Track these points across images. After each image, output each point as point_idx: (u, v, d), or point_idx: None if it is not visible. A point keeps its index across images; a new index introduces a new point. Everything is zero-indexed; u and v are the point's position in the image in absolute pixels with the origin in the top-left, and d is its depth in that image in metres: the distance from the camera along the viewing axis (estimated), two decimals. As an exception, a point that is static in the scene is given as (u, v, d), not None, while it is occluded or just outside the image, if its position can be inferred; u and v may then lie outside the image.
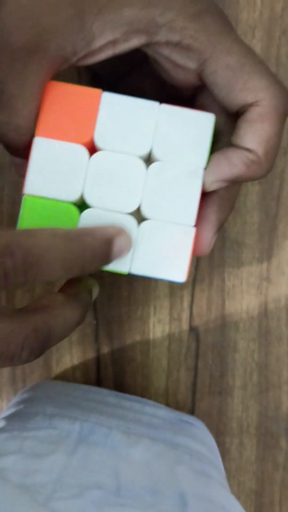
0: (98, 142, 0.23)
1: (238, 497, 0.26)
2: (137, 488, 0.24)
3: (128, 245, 0.22)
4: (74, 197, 0.23)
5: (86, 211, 0.23)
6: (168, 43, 0.22)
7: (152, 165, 0.23)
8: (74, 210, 0.23)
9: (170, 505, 0.23)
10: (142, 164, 0.23)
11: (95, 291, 0.26)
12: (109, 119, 0.23)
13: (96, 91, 0.23)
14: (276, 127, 0.23)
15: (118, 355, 0.35)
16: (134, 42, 0.22)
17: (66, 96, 0.23)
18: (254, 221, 0.33)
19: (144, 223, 0.23)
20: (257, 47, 0.32)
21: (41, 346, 0.21)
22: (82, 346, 0.35)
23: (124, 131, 0.23)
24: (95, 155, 0.23)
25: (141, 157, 0.23)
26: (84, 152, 0.23)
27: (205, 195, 0.24)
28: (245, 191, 0.33)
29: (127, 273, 0.23)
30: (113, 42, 0.22)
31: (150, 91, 0.27)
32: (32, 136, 0.23)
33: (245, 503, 0.36)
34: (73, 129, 0.23)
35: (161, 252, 0.23)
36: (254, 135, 0.22)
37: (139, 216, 0.24)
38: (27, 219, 0.22)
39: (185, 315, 0.34)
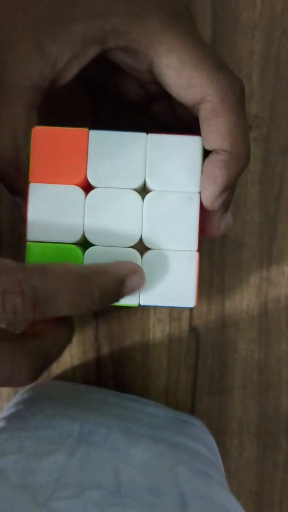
0: (92, 181, 0.23)
1: (238, 497, 0.26)
2: (137, 488, 0.24)
3: (141, 283, 0.22)
4: (76, 238, 0.23)
5: (89, 250, 0.23)
6: (117, 49, 0.23)
7: (148, 196, 0.23)
8: (78, 250, 0.23)
9: (170, 505, 0.23)
10: (137, 196, 0.23)
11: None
12: (99, 157, 0.23)
13: (83, 130, 0.23)
14: (233, 116, 0.22)
15: (118, 355, 0.35)
16: (91, 53, 0.23)
17: (54, 139, 0.23)
18: (254, 221, 0.33)
19: (147, 254, 0.23)
20: (257, 47, 0.32)
21: (39, 369, 0.22)
22: (82, 346, 0.35)
23: (116, 166, 0.23)
24: (90, 193, 0.23)
25: (135, 190, 0.23)
26: (80, 192, 0.23)
27: (211, 154, 0.24)
28: (245, 191, 0.33)
29: (137, 306, 0.24)
30: (75, 58, 0.23)
31: (132, 88, 0.27)
32: (19, 169, 0.23)
33: (245, 503, 0.36)
34: (66, 171, 0.23)
35: (168, 280, 0.23)
36: (214, 134, 0.22)
37: (141, 246, 0.24)
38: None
39: (185, 315, 0.34)
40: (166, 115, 0.28)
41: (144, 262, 0.23)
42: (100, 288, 0.21)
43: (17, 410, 0.30)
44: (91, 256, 0.23)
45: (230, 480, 0.35)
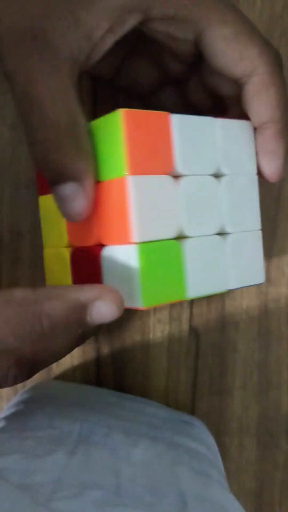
0: (180, 169, 0.22)
1: (238, 497, 0.26)
2: (137, 488, 0.24)
3: (111, 310, 0.19)
4: (175, 232, 0.22)
5: (188, 244, 0.22)
6: (163, 18, 0.22)
7: (223, 181, 0.23)
8: (178, 245, 0.22)
9: (170, 505, 0.23)
10: (216, 182, 0.23)
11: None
12: (183, 144, 0.22)
13: (164, 114, 0.22)
14: (281, 88, 0.23)
15: (118, 355, 0.35)
16: (130, 23, 0.21)
17: (141, 125, 0.21)
18: (254, 221, 0.33)
19: (228, 238, 0.24)
20: (257, 47, 0.32)
21: (27, 372, 0.19)
22: (82, 346, 0.35)
23: (198, 153, 0.22)
24: (182, 184, 0.22)
25: (213, 175, 0.23)
26: (173, 182, 0.22)
27: (261, 130, 0.24)
28: (245, 191, 0.33)
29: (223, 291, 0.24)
30: (111, 29, 0.21)
31: (146, 74, 0.27)
32: (78, 146, 0.20)
33: (245, 503, 0.36)
34: (156, 160, 0.21)
35: (244, 261, 0.24)
36: (265, 106, 0.23)
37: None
38: (145, 267, 0.21)
39: (185, 315, 0.34)
40: (175, 103, 0.28)
41: (227, 246, 0.23)
42: (49, 316, 0.18)
43: (17, 410, 0.30)
44: (191, 250, 0.22)
45: (230, 480, 0.35)
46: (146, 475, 0.25)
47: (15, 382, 0.19)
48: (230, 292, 0.34)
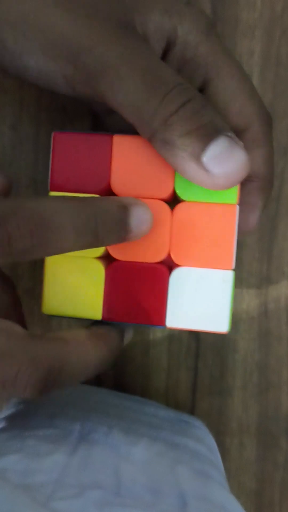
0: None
1: (238, 497, 0.26)
2: (137, 488, 0.24)
3: (148, 217, 0.20)
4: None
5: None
6: (180, 56, 0.22)
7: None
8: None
9: (170, 505, 0.23)
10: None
11: (128, 335, 0.24)
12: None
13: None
14: (270, 147, 0.24)
15: (118, 355, 0.35)
16: (158, 48, 0.21)
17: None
18: (254, 221, 0.33)
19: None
20: (257, 47, 0.32)
21: (49, 384, 0.19)
22: (82, 346, 0.35)
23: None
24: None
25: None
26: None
27: (246, 183, 0.24)
28: (245, 191, 0.33)
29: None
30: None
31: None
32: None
33: (245, 503, 0.36)
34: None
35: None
36: (254, 162, 0.23)
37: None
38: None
39: (185, 315, 0.34)
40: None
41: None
42: (103, 211, 0.19)
43: (17, 410, 0.30)
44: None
45: (230, 480, 0.35)
46: (146, 475, 0.25)
47: (32, 395, 0.19)
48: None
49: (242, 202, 0.24)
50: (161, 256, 0.22)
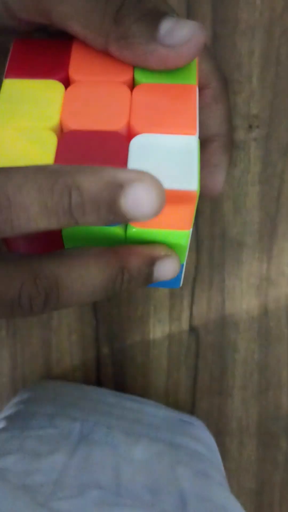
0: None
1: (238, 497, 0.26)
2: (137, 488, 0.24)
3: (153, 197, 0.16)
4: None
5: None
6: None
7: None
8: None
9: (170, 505, 0.23)
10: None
11: (169, 265, 0.20)
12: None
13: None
14: (228, 103, 0.24)
15: (118, 355, 0.35)
16: None
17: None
18: (254, 221, 0.33)
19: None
20: (257, 47, 0.32)
21: (44, 296, 0.17)
22: (82, 346, 0.35)
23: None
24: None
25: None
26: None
27: (207, 143, 0.24)
28: (245, 192, 0.33)
29: None
30: None
31: None
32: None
33: (245, 503, 0.36)
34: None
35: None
36: (214, 119, 0.23)
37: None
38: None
39: (185, 315, 0.34)
40: None
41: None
42: (79, 189, 0.16)
43: (17, 410, 0.30)
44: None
45: (230, 480, 0.35)
46: (146, 475, 0.25)
47: (29, 306, 0.17)
48: (230, 292, 0.34)
49: (206, 164, 0.24)
50: (120, 123, 0.20)
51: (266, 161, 0.33)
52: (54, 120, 0.20)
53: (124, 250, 0.19)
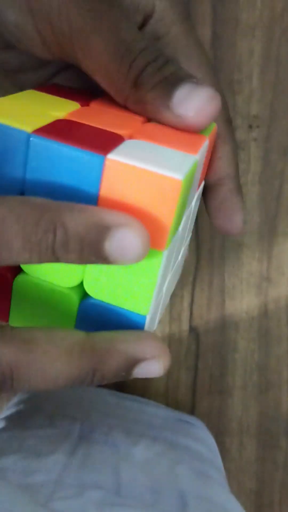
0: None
1: (238, 497, 0.26)
2: (137, 488, 0.24)
3: (137, 243, 0.15)
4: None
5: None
6: (153, 33, 0.22)
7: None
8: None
9: (170, 505, 0.23)
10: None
11: (154, 366, 0.18)
12: None
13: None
14: (235, 146, 0.23)
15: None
16: (137, 20, 0.21)
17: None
18: (254, 221, 0.33)
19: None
20: (257, 47, 0.32)
21: (2, 387, 0.16)
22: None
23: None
24: None
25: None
26: None
27: (218, 187, 0.24)
28: (245, 192, 0.33)
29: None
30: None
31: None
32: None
33: (245, 503, 0.36)
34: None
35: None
36: (222, 161, 0.23)
37: None
38: None
39: (185, 315, 0.34)
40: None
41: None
42: (65, 227, 0.15)
43: (17, 410, 0.30)
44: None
45: (230, 480, 0.35)
46: (146, 475, 0.25)
47: None
48: (230, 292, 0.34)
49: (223, 210, 0.24)
50: (125, 130, 0.19)
51: (266, 161, 0.33)
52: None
53: (102, 346, 0.17)
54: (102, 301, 0.18)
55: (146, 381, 0.35)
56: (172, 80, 0.19)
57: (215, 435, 0.34)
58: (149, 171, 0.16)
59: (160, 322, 0.34)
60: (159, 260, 0.17)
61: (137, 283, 0.18)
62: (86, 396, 0.32)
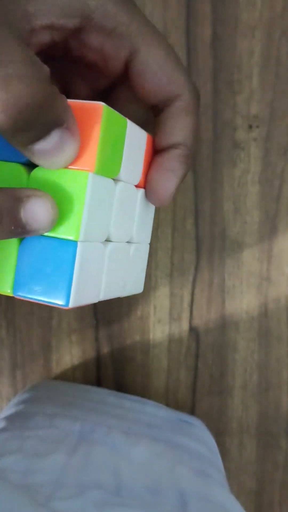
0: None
1: (238, 497, 0.26)
2: (137, 488, 0.24)
3: (46, 210, 0.19)
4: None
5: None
6: (101, 30, 0.22)
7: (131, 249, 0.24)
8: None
9: (170, 505, 0.23)
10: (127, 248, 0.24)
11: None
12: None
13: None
14: (197, 116, 0.24)
15: (118, 355, 0.35)
16: (69, 26, 0.21)
17: None
18: (254, 221, 0.33)
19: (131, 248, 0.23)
20: (257, 47, 0.32)
21: None
22: (82, 346, 0.35)
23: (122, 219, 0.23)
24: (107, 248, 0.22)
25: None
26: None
27: (170, 149, 0.24)
28: (245, 191, 0.33)
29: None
30: (50, 27, 0.21)
31: (74, 91, 0.26)
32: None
33: (245, 503, 0.36)
34: None
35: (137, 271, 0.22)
36: (181, 130, 0.23)
37: None
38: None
39: (185, 315, 0.34)
40: None
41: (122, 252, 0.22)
42: None
43: (17, 410, 0.30)
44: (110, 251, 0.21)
45: (230, 480, 0.35)
46: (146, 475, 0.25)
47: None
48: (230, 292, 0.34)
49: (163, 168, 0.24)
50: None
51: (266, 161, 0.33)
52: None
53: None
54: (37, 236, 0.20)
55: (146, 381, 0.35)
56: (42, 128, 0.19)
57: (215, 435, 0.34)
58: (75, 102, 0.19)
59: (160, 321, 0.34)
60: (85, 181, 0.19)
61: (68, 207, 0.19)
62: (86, 396, 0.32)
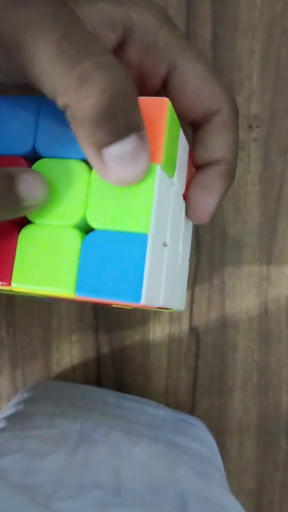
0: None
1: (238, 497, 0.26)
2: (137, 488, 0.24)
3: (39, 181, 0.18)
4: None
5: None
6: (141, 44, 0.21)
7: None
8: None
9: (170, 505, 0.23)
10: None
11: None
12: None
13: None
14: (237, 132, 0.23)
15: (118, 355, 0.35)
16: (112, 38, 0.21)
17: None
18: (254, 221, 0.33)
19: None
20: (257, 47, 0.32)
21: None
22: (82, 346, 0.35)
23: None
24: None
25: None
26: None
27: (210, 166, 0.23)
28: (245, 191, 0.33)
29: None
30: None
31: None
32: None
33: (245, 503, 0.36)
34: None
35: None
36: (222, 146, 0.23)
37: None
38: None
39: (185, 315, 0.34)
40: None
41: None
42: None
43: (17, 410, 0.30)
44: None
45: (230, 480, 0.35)
46: (146, 475, 0.25)
47: None
48: (230, 292, 0.34)
49: (203, 185, 0.23)
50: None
51: (266, 161, 0.33)
52: None
53: None
54: (104, 230, 0.19)
55: (146, 381, 0.35)
56: (120, 129, 0.17)
57: (215, 435, 0.34)
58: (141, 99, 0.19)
59: (160, 321, 0.34)
60: (153, 173, 0.18)
61: (135, 200, 0.19)
62: (86, 396, 0.32)
